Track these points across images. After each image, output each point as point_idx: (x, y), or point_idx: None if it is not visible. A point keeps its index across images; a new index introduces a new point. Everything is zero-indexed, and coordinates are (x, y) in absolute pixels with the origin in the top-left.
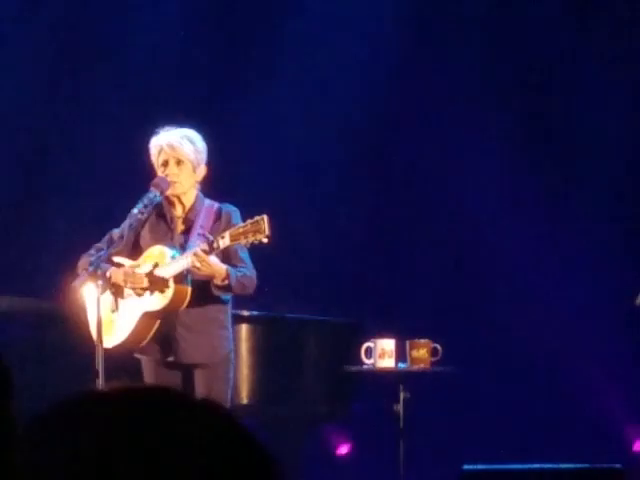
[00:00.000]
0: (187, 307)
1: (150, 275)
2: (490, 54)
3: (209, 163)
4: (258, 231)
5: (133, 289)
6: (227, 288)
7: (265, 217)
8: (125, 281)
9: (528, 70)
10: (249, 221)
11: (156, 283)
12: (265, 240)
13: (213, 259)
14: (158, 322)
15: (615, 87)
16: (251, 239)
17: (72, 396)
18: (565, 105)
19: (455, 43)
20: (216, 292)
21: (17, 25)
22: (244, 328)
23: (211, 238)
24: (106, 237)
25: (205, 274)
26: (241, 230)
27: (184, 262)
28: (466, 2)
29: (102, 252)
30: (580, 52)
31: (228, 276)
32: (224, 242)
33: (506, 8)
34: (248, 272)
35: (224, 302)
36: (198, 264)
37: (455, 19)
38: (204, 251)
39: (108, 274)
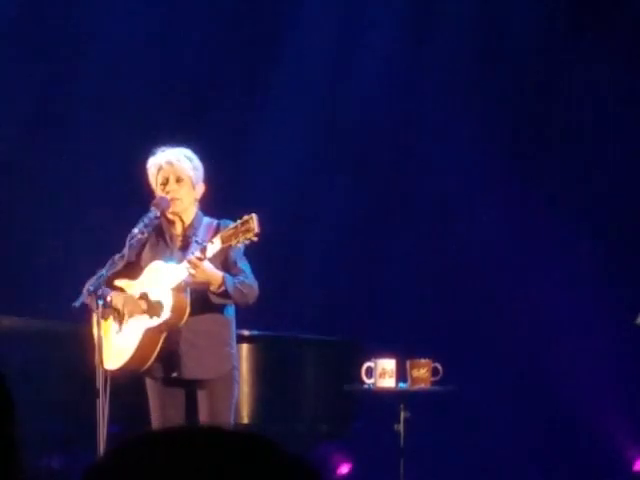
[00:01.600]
0: (190, 324)
1: (147, 300)
2: (484, 52)
3: (207, 181)
4: (248, 230)
5: (131, 315)
6: (225, 295)
7: (254, 216)
8: (124, 306)
9: (525, 72)
10: (238, 221)
11: (153, 308)
12: (255, 239)
13: (208, 265)
14: (162, 340)
15: (612, 89)
16: (241, 239)
17: (127, 441)
18: (566, 113)
19: (450, 42)
20: (215, 300)
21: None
22: (245, 347)
23: (204, 244)
24: (109, 261)
25: (201, 281)
26: (231, 231)
27: (181, 272)
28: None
29: (102, 272)
30: (576, 54)
31: (224, 282)
32: (215, 246)
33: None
34: (247, 280)
35: (228, 319)
36: (193, 271)
37: (449, 19)
38: (198, 258)
39: (109, 298)
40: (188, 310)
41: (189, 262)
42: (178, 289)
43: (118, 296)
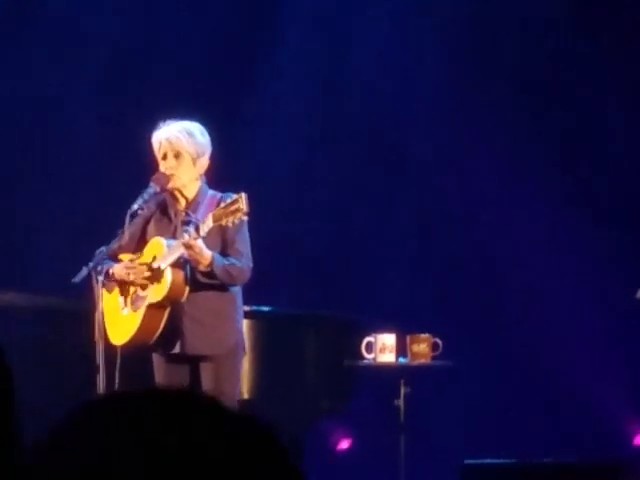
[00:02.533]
0: (194, 299)
1: (150, 265)
2: (493, 51)
3: (213, 155)
4: (237, 210)
5: (135, 281)
6: (211, 275)
7: (243, 195)
8: (128, 274)
9: (533, 68)
10: (228, 200)
11: (156, 273)
12: (245, 218)
13: (200, 244)
14: (166, 315)
15: (620, 86)
16: (231, 218)
17: (90, 401)
18: (573, 109)
19: (453, 43)
20: (200, 279)
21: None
22: (244, 323)
23: (197, 222)
24: (116, 238)
25: (194, 259)
26: (222, 211)
27: (179, 249)
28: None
29: (102, 248)
30: (585, 51)
31: (212, 263)
32: (208, 224)
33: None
34: (239, 263)
35: (232, 294)
36: (189, 251)
37: (451, 19)
38: (193, 237)
39: (111, 271)
40: (187, 286)
41: (183, 244)
42: (176, 265)
43: (119, 266)
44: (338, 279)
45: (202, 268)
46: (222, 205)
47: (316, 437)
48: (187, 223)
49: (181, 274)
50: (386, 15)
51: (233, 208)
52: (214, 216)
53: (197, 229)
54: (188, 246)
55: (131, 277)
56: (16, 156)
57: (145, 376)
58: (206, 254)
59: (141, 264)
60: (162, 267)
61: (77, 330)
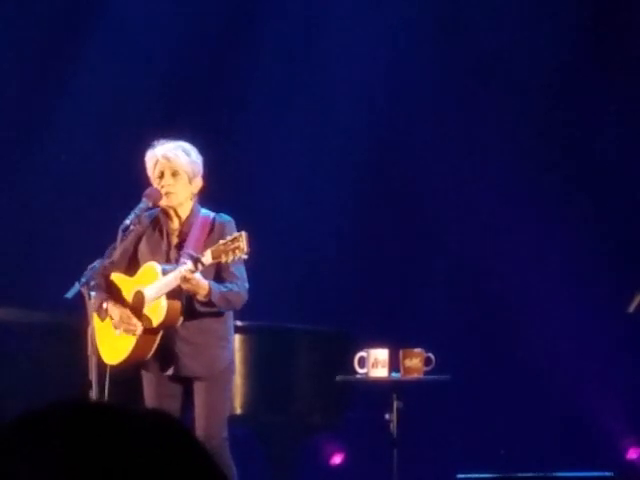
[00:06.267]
0: (187, 322)
1: (142, 315)
2: (493, 65)
3: (205, 175)
4: (237, 248)
5: (126, 331)
6: (210, 304)
7: (244, 234)
8: (119, 323)
9: (532, 78)
10: (228, 238)
11: (147, 321)
12: (245, 257)
13: (197, 276)
14: (159, 338)
15: (617, 96)
16: (231, 256)
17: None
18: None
19: (455, 55)
20: (199, 308)
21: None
22: (237, 338)
23: (195, 256)
24: (107, 252)
25: (192, 291)
26: (222, 248)
27: (173, 280)
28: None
29: (95, 263)
30: (587, 64)
31: (210, 293)
32: (206, 260)
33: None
34: (235, 287)
35: (223, 314)
36: (186, 285)
37: (453, 28)
38: (191, 270)
39: (105, 305)
40: (182, 314)
41: (181, 278)
42: (172, 294)
43: (114, 309)
44: (331, 294)
45: (200, 298)
46: (221, 242)
47: (309, 452)
48: (183, 252)
49: (177, 304)
50: (383, 30)
51: (233, 246)
52: (213, 253)
53: (196, 263)
54: (185, 280)
55: (121, 329)
56: (18, 165)
57: (135, 391)
58: (203, 284)
59: (134, 317)
60: (154, 325)
61: (70, 345)
